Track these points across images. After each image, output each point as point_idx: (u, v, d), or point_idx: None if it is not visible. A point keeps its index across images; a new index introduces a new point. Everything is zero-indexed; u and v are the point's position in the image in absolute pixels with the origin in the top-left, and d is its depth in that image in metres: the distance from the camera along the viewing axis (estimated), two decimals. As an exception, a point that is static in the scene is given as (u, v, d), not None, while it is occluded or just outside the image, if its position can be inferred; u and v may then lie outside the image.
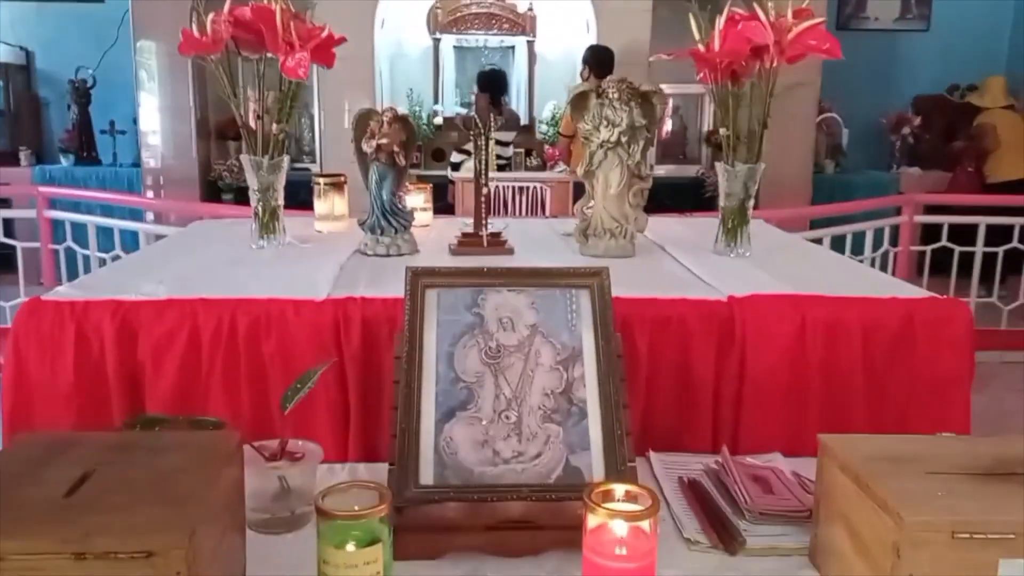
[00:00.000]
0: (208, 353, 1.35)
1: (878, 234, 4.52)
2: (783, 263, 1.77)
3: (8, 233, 4.47)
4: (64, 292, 1.42)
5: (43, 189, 4.49)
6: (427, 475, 1.11)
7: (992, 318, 4.66)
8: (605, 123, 1.79)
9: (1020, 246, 4.60)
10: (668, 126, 6.22)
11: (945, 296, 1.52)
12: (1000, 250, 4.59)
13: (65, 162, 6.08)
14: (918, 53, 6.86)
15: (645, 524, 0.91)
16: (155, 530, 0.77)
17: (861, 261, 4.44)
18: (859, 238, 4.44)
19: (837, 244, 4.34)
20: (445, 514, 1.09)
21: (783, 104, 5.39)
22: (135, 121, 5.85)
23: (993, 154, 5.77)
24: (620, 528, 0.92)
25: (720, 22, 1.74)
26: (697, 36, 1.78)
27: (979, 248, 4.58)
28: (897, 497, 0.91)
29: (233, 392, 1.36)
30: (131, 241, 4.27)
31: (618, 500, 0.94)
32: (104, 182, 5.83)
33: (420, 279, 1.24)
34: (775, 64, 1.69)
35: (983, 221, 4.57)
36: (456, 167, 4.67)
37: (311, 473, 1.21)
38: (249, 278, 1.54)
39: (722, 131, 1.83)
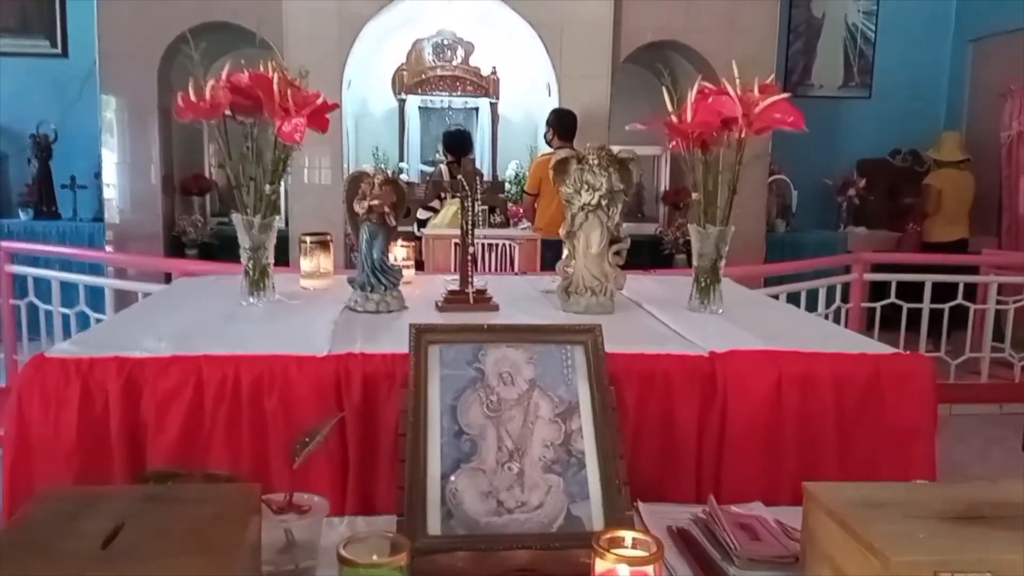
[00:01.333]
0: (211, 408, 1.38)
1: (830, 291, 4.70)
2: (754, 319, 1.86)
3: (-35, 288, 4.40)
4: (67, 349, 1.44)
5: (4, 244, 4.43)
6: (435, 525, 1.15)
7: (940, 372, 4.85)
8: (586, 187, 1.88)
9: (964, 303, 4.83)
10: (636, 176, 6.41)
11: (909, 352, 1.62)
12: (946, 307, 4.82)
13: (24, 216, 6.01)
14: (861, 118, 7.23)
15: (650, 569, 0.97)
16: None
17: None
18: (812, 295, 4.61)
19: (792, 300, 4.50)
20: (454, 564, 1.13)
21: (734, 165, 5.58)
22: (97, 175, 5.84)
23: (933, 216, 6.08)
24: (625, 573, 0.97)
25: (691, 95, 1.87)
26: (670, 108, 1.90)
27: (926, 305, 4.80)
28: (882, 539, 0.98)
29: (234, 446, 1.39)
30: (95, 297, 4.22)
31: (625, 547, 1.00)
32: (64, 236, 5.77)
33: (423, 335, 1.30)
34: (744, 135, 1.81)
35: (929, 279, 4.80)
36: (423, 224, 4.75)
37: (317, 526, 1.24)
38: (247, 334, 1.58)
39: (694, 195, 1.94)
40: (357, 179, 1.86)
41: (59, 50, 6.47)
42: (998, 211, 6.33)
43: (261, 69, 1.81)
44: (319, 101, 1.82)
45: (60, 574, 0.80)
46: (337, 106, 1.91)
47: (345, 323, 1.73)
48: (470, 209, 1.90)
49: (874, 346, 1.66)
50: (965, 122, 7.04)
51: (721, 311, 1.93)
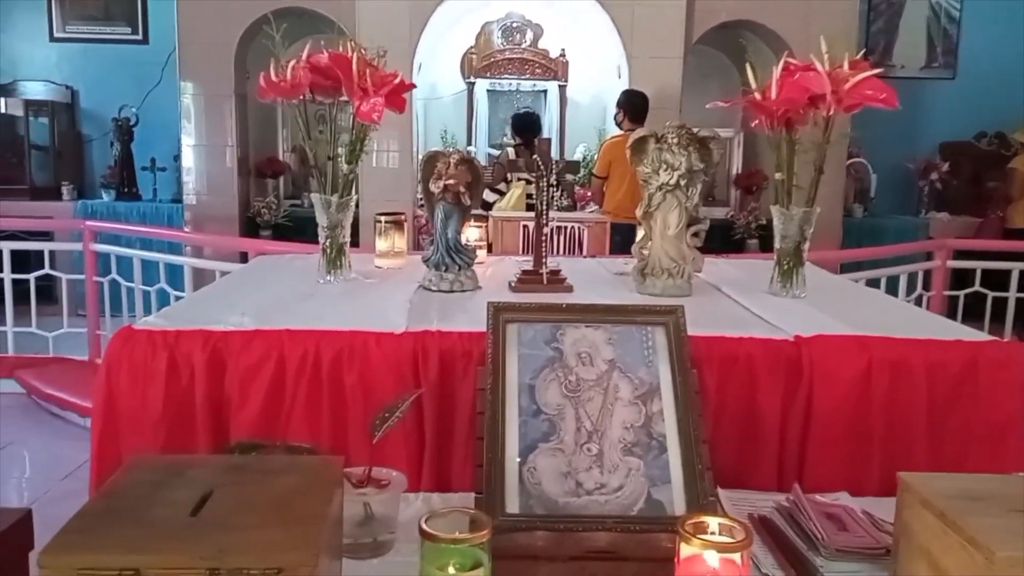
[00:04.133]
0: (292, 382, 1.40)
1: (911, 279, 4.53)
2: (839, 304, 1.80)
3: (51, 265, 4.58)
4: (154, 322, 1.48)
5: (90, 223, 4.60)
6: (513, 504, 1.14)
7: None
8: (664, 166, 1.84)
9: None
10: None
11: (1007, 339, 1.54)
12: (1031, 295, 4.60)
13: (107, 197, 6.23)
14: (944, 100, 6.92)
15: (737, 556, 0.94)
16: (285, 549, 0.81)
17: (895, 305, 4.47)
18: (892, 282, 4.45)
19: (871, 288, 4.36)
20: (533, 543, 1.12)
21: (810, 147, 5.46)
22: (176, 158, 6.00)
23: (1017, 201, 5.80)
24: (713, 559, 0.95)
25: (776, 71, 1.81)
26: (753, 84, 1.85)
27: (1012, 294, 4.59)
28: (986, 533, 0.93)
29: (314, 420, 1.40)
30: (174, 275, 4.36)
31: (711, 533, 0.97)
32: (144, 217, 5.96)
33: (501, 314, 1.29)
34: (832, 113, 1.74)
35: (1016, 267, 4.58)
36: (488, 207, 4.75)
37: (395, 501, 1.24)
38: (326, 311, 1.60)
39: (777, 175, 1.88)
40: (433, 159, 1.86)
41: (140, 36, 6.66)
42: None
43: (340, 50, 1.82)
44: (396, 81, 1.82)
45: (152, 540, 0.82)
46: (414, 86, 1.91)
47: (420, 301, 1.73)
48: (545, 189, 1.88)
49: (969, 333, 1.58)
50: (1057, 104, 6.68)
51: (804, 295, 1.87)
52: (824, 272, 2.33)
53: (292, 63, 1.76)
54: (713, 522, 0.98)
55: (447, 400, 1.42)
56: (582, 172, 5.69)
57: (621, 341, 1.29)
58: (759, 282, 1.96)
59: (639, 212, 1.88)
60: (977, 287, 4.60)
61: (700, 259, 1.92)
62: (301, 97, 1.80)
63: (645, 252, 1.90)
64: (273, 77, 1.81)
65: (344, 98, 1.85)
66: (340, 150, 1.89)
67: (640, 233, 1.93)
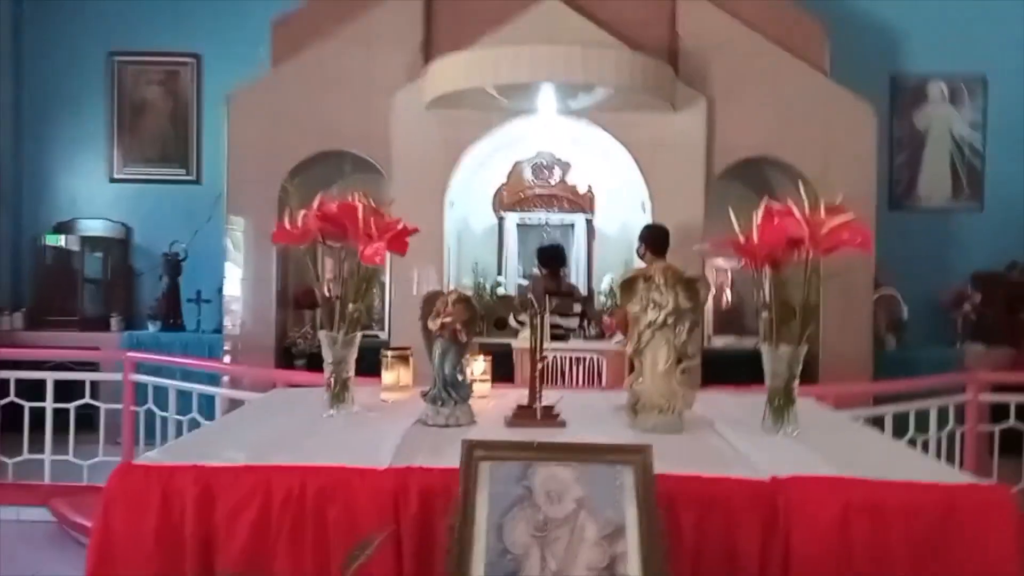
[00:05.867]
0: (277, 517, 1.45)
1: (942, 412, 4.43)
2: (829, 443, 1.81)
3: (92, 394, 4.76)
4: (153, 457, 1.56)
5: (130, 355, 4.80)
6: (475, 645, 1.16)
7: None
8: (652, 305, 1.92)
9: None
10: (727, 299, 6.38)
11: (987, 483, 1.53)
12: (1072, 430, 4.45)
13: (152, 328, 6.50)
14: (973, 231, 6.96)
15: None
16: None
17: (926, 440, 4.37)
18: (922, 416, 4.36)
19: (900, 421, 4.28)
20: None
21: (839, 283, 5.49)
22: (220, 291, 6.27)
23: (1055, 330, 5.72)
24: None
25: (758, 216, 1.90)
26: (736, 229, 1.94)
27: (1049, 428, 4.45)
28: None
29: (298, 554, 1.44)
30: (207, 404, 4.48)
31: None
32: (187, 347, 6.18)
33: (475, 451, 1.34)
34: (811, 256, 1.82)
35: (1053, 401, 4.46)
36: (515, 335, 4.84)
37: (366, 639, 1.27)
38: (319, 446, 1.67)
39: (764, 314, 1.94)
40: (432, 298, 1.97)
41: (193, 177, 7.12)
42: None
43: (349, 197, 1.97)
44: (399, 227, 1.96)
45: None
46: (416, 230, 2.04)
47: (414, 436, 1.79)
48: (539, 327, 1.96)
49: (950, 475, 1.57)
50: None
51: (796, 433, 1.88)
52: (825, 410, 2.33)
53: (303, 212, 1.91)
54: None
55: (426, 536, 1.45)
56: (608, 303, 5.79)
57: (590, 480, 1.32)
58: (754, 419, 1.98)
59: (629, 349, 1.94)
60: (1012, 422, 4.47)
61: (691, 395, 1.95)
62: (311, 243, 1.93)
63: (637, 388, 1.95)
64: (287, 225, 1.96)
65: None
66: (348, 290, 2.01)
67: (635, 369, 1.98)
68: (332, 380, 2.01)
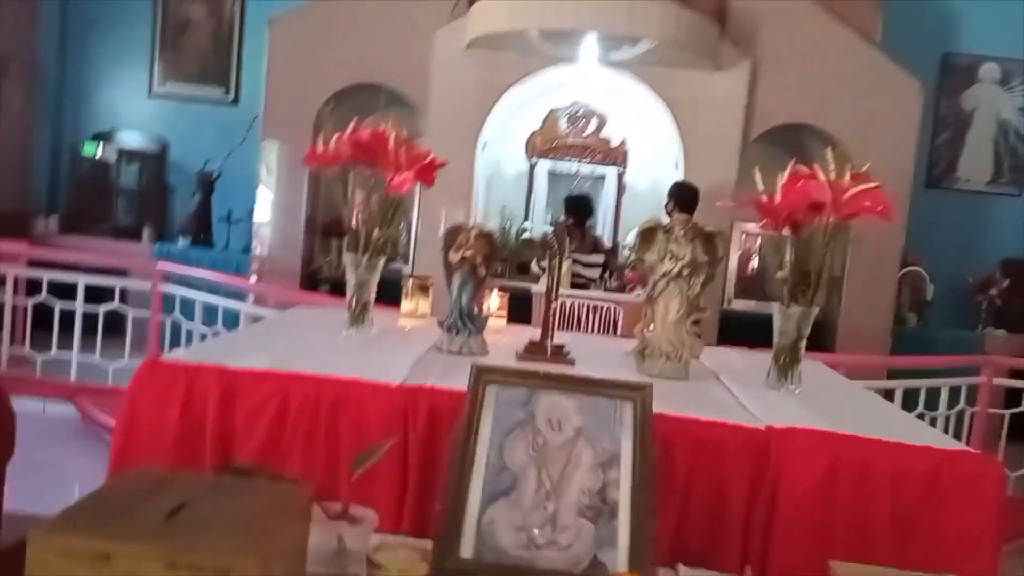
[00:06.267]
0: (293, 421, 1.53)
1: (954, 392, 4.46)
2: (829, 402, 1.86)
3: (121, 300, 4.90)
4: (179, 356, 1.65)
5: (161, 265, 4.92)
6: (467, 549, 1.24)
7: (1076, 494, 4.48)
8: (670, 256, 1.95)
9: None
10: (753, 263, 6.37)
11: (977, 452, 1.58)
12: (1086, 423, 4.47)
13: (182, 243, 6.63)
14: (1009, 216, 6.87)
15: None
16: (236, 553, 0.93)
17: (934, 418, 4.40)
18: (934, 394, 4.39)
19: (910, 397, 4.31)
20: (479, 588, 1.21)
21: (865, 256, 5.48)
22: (251, 212, 6.36)
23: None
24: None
25: (783, 177, 1.92)
26: (760, 188, 1.96)
27: (1060, 418, 4.47)
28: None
29: (309, 457, 1.53)
30: (232, 320, 4.61)
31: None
32: (215, 264, 6.27)
33: (483, 375, 1.41)
34: (831, 220, 1.84)
35: (1065, 390, 4.47)
36: (536, 280, 4.90)
37: (366, 537, 1.34)
38: (337, 360, 1.74)
39: (779, 274, 1.97)
40: (454, 231, 2.02)
41: (232, 97, 7.17)
42: None
43: (381, 127, 2.02)
44: (428, 159, 2.00)
45: (126, 533, 0.95)
46: (445, 163, 2.08)
47: (427, 360, 1.86)
48: (557, 268, 2.01)
49: (941, 440, 1.62)
50: None
51: (798, 391, 1.93)
52: (831, 372, 2.37)
53: (336, 136, 1.95)
54: (638, 582, 1.06)
55: (431, 452, 1.53)
56: (631, 256, 5.81)
57: (590, 411, 1.38)
58: (758, 374, 2.03)
59: (642, 296, 1.98)
60: (1023, 407, 4.49)
61: (699, 345, 2.00)
62: (341, 168, 1.98)
63: (647, 335, 2.00)
64: (320, 148, 2.01)
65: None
66: (374, 215, 2.06)
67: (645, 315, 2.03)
68: (353, 301, 2.08)
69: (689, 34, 5.17)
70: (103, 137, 6.97)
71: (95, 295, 4.93)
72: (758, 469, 1.52)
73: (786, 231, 1.95)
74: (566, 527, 1.26)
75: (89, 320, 4.83)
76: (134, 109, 7.19)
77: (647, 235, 2.00)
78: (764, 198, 1.95)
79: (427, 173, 2.01)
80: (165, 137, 7.15)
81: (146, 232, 6.71)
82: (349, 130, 2.00)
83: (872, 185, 1.82)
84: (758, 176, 1.96)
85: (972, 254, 6.68)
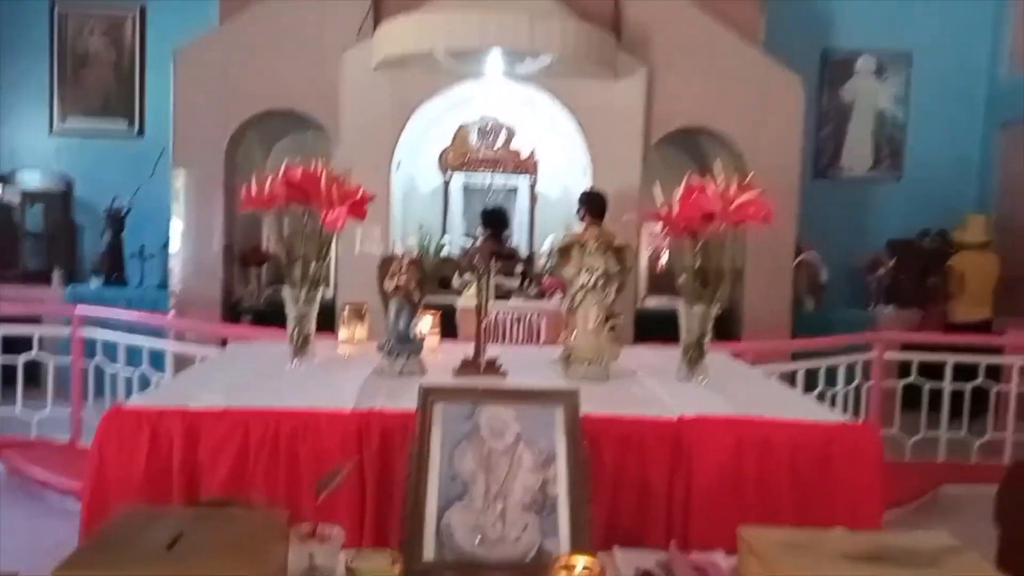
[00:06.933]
0: (255, 453, 1.66)
1: (850, 369, 4.84)
2: (733, 390, 2.09)
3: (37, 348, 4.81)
4: (140, 402, 1.75)
5: (80, 309, 4.86)
6: (429, 552, 1.40)
7: (962, 453, 4.93)
8: (586, 269, 2.16)
9: (985, 384, 4.92)
10: (663, 261, 6.69)
11: (858, 422, 1.83)
12: (968, 386, 4.92)
13: (95, 283, 6.51)
14: (891, 200, 7.43)
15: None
16: (234, 574, 1.07)
17: (835, 394, 4.78)
18: (832, 372, 4.76)
19: (811, 377, 4.67)
20: (443, 583, 1.37)
21: (762, 245, 5.86)
22: (164, 247, 6.30)
23: (956, 296, 6.21)
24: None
25: (679, 190, 2.15)
26: (660, 201, 2.18)
27: (947, 385, 4.90)
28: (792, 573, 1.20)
29: (272, 485, 1.66)
30: (156, 358, 4.60)
31: (576, 570, 1.24)
32: (130, 303, 6.20)
33: (430, 395, 1.57)
34: (722, 227, 2.08)
35: (950, 360, 4.91)
36: (459, 293, 5.06)
37: (335, 553, 1.49)
38: (288, 392, 1.87)
39: (681, 278, 2.20)
40: (388, 261, 2.17)
41: (136, 129, 7.08)
42: (1030, 293, 6.41)
43: (312, 166, 2.15)
44: (359, 195, 2.15)
45: (139, 564, 1.08)
46: (374, 197, 2.23)
47: (371, 384, 2.01)
48: (484, 288, 2.19)
49: (826, 415, 1.87)
50: (996, 205, 7.17)
51: (705, 381, 2.16)
52: (734, 362, 2.62)
53: (269, 179, 2.08)
54: (579, 561, 1.25)
55: (386, 469, 1.68)
56: (548, 264, 6.04)
57: (527, 418, 1.56)
58: (671, 369, 2.25)
59: (563, 308, 2.18)
60: (913, 378, 4.91)
61: (617, 348, 2.21)
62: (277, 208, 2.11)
63: (570, 343, 2.20)
64: (253, 191, 2.13)
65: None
66: (310, 250, 2.20)
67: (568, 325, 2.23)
68: (295, 334, 2.21)
69: (587, 46, 5.43)
70: (4, 179, 6.78)
71: (9, 345, 4.83)
72: (674, 455, 1.73)
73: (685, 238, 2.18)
74: (514, 523, 1.44)
75: (6, 371, 4.73)
76: (35, 147, 7.04)
77: (564, 252, 2.20)
78: (664, 210, 2.17)
79: (359, 208, 2.16)
80: (70, 175, 7.00)
81: (56, 275, 6.56)
82: (281, 171, 2.12)
83: (755, 194, 2.07)
84: (658, 190, 2.18)
85: (860, 237, 7.21)
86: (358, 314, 2.49)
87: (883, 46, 7.44)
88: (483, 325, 2.17)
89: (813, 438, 1.75)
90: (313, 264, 2.20)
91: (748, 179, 2.14)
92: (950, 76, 7.41)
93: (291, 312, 2.20)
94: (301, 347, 2.20)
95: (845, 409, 4.68)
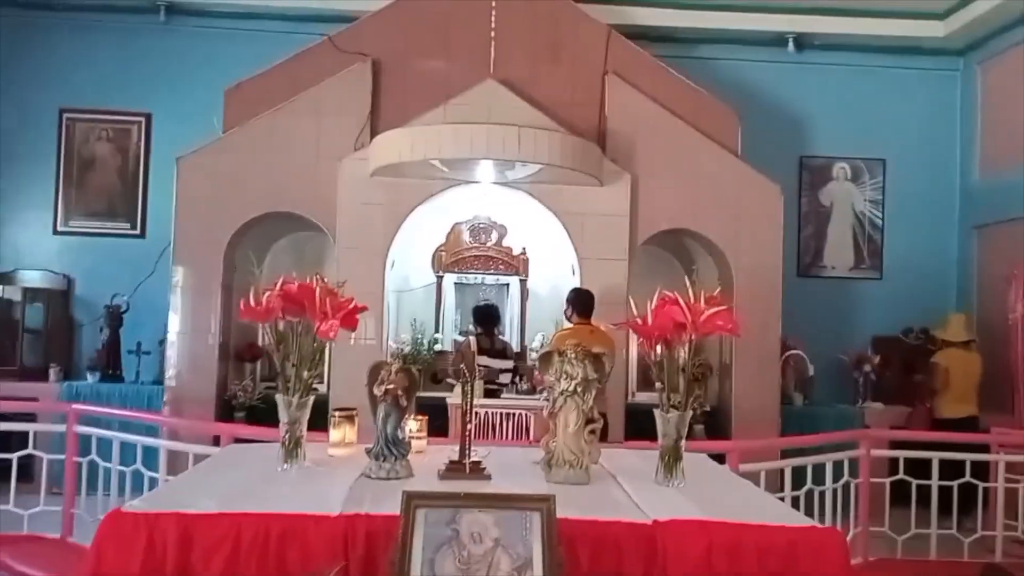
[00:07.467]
0: (246, 556, 1.73)
1: (837, 466, 4.89)
2: (707, 493, 2.18)
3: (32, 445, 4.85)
4: (138, 505, 1.83)
5: (76, 406, 4.92)
6: (411, 655, 1.47)
7: (954, 550, 4.93)
8: (565, 376, 2.28)
9: (972, 480, 4.96)
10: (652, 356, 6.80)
11: (824, 526, 1.92)
12: (955, 484, 4.95)
13: (91, 379, 6.59)
14: (873, 298, 7.63)
15: None
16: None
17: (823, 491, 4.81)
18: (819, 469, 4.80)
19: (799, 474, 4.71)
20: None
21: (750, 344, 6.00)
22: (161, 343, 6.41)
23: (941, 393, 6.31)
24: None
25: (652, 303, 2.29)
26: (635, 312, 2.32)
27: (934, 481, 4.93)
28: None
29: (263, 589, 1.73)
30: (149, 455, 4.63)
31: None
32: (126, 398, 6.28)
33: (412, 500, 1.67)
34: (692, 337, 2.21)
35: (936, 456, 4.96)
36: (451, 388, 5.15)
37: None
38: (279, 495, 1.96)
39: (657, 385, 2.31)
40: (377, 367, 2.29)
41: (138, 231, 7.30)
42: (1011, 390, 6.50)
43: (308, 279, 2.29)
44: (351, 306, 2.28)
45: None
46: (365, 308, 2.36)
47: (359, 487, 2.09)
48: (470, 392, 2.30)
49: (795, 518, 1.95)
50: (976, 303, 7.36)
51: (682, 484, 2.25)
52: (710, 462, 2.71)
53: (267, 292, 2.22)
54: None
55: (371, 571, 1.75)
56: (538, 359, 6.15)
57: (505, 523, 1.65)
58: (650, 471, 2.34)
59: (545, 413, 2.29)
60: (901, 475, 4.95)
61: (597, 451, 2.31)
62: (273, 319, 2.24)
63: (552, 446, 2.29)
64: (251, 303, 2.26)
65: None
66: (303, 359, 2.31)
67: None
68: (287, 438, 2.30)
69: (573, 156, 5.71)
70: (5, 278, 6.95)
71: (4, 440, 4.87)
72: (649, 557, 1.80)
73: (659, 347, 2.31)
74: (492, 625, 1.51)
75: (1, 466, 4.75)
76: (39, 247, 7.23)
77: (544, 360, 2.32)
78: (639, 321, 2.31)
79: (350, 319, 2.29)
80: (70, 274, 7.18)
81: (53, 371, 6.64)
82: (278, 285, 2.26)
83: (721, 308, 2.21)
84: (633, 305, 2.32)
85: (845, 333, 7.36)
86: (348, 418, 2.58)
87: (857, 154, 7.79)
88: (469, 428, 2.27)
89: (780, 540, 1.83)
90: (306, 372, 2.31)
91: (716, 292, 2.29)
92: (923, 181, 7.73)
93: (284, 417, 2.30)
94: (292, 450, 2.29)
95: (835, 507, 4.70)
